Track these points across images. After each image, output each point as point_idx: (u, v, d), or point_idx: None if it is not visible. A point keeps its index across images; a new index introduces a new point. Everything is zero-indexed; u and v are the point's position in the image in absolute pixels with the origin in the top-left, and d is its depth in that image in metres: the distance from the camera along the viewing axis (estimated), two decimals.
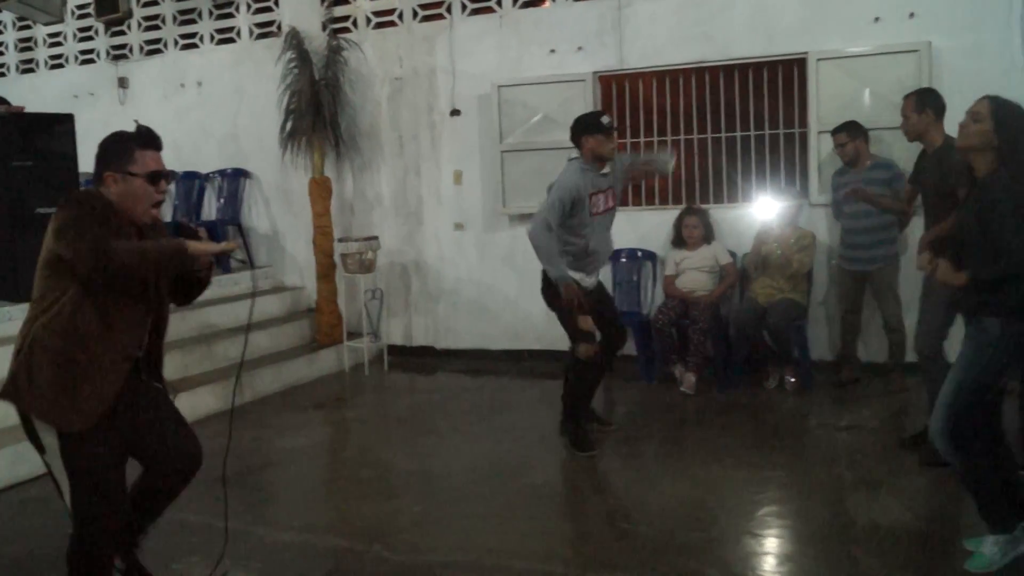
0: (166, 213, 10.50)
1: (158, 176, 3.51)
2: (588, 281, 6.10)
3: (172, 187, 10.19)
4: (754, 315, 7.28)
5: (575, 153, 6.10)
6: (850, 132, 7.05)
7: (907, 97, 5.66)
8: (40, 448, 3.50)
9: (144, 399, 3.69)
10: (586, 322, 5.98)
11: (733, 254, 7.79)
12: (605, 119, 5.99)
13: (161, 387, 3.82)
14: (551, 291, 6.02)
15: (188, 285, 3.77)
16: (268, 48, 9.61)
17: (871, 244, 7.05)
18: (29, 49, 11.62)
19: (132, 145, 3.49)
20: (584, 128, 5.99)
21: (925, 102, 5.54)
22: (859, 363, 7.46)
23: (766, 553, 4.42)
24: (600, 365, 6.18)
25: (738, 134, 8.10)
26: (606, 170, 6.06)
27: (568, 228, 5.91)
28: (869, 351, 7.57)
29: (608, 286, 8.18)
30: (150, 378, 3.74)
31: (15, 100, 8.63)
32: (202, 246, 3.40)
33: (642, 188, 8.51)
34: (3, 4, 10.45)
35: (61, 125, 7.78)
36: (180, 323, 8.09)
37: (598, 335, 6.11)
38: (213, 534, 4.55)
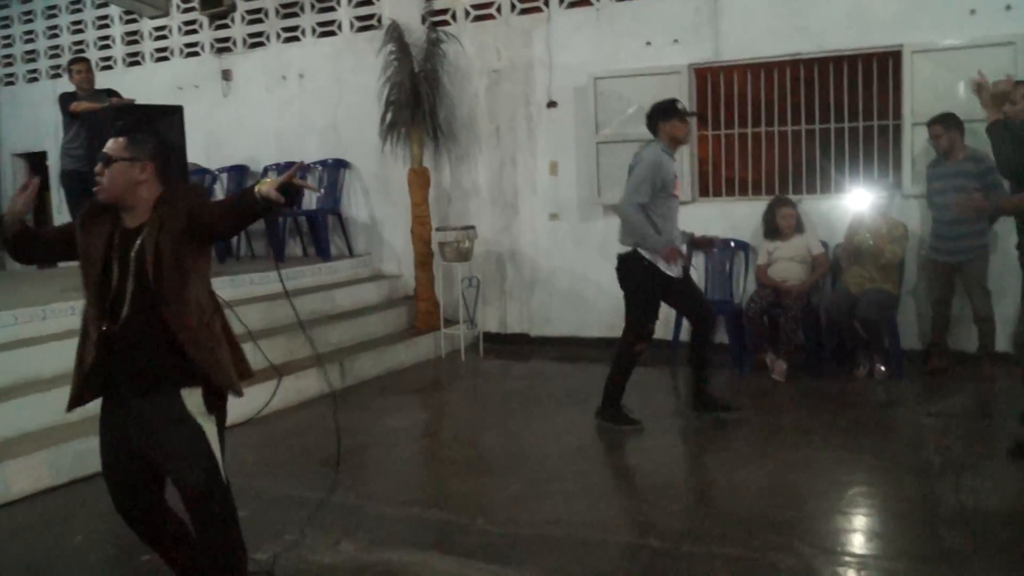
0: None
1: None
2: (672, 270, 6.25)
3: (273, 177, 10.48)
4: (846, 304, 7.36)
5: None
6: (945, 124, 7.08)
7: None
8: None
9: (134, 413, 3.47)
10: (653, 327, 6.34)
11: (825, 244, 7.85)
12: (680, 104, 6.34)
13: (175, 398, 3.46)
14: (628, 272, 6.26)
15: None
16: (369, 41, 9.87)
17: (961, 236, 7.10)
18: (136, 42, 11.99)
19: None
20: (662, 113, 6.31)
21: None
22: (949, 352, 7.48)
23: (855, 530, 4.54)
24: (636, 356, 6.40)
25: (832, 126, 8.16)
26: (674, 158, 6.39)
27: (652, 208, 6.14)
28: (959, 340, 7.59)
29: (701, 275, 8.36)
30: (153, 384, 3.45)
31: (122, 92, 8.96)
32: (269, 184, 3.30)
33: (735, 179, 8.60)
34: None
35: (171, 116, 7.99)
36: (285, 309, 8.33)
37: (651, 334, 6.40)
38: (321, 508, 4.78)
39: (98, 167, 3.44)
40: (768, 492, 5.05)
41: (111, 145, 3.48)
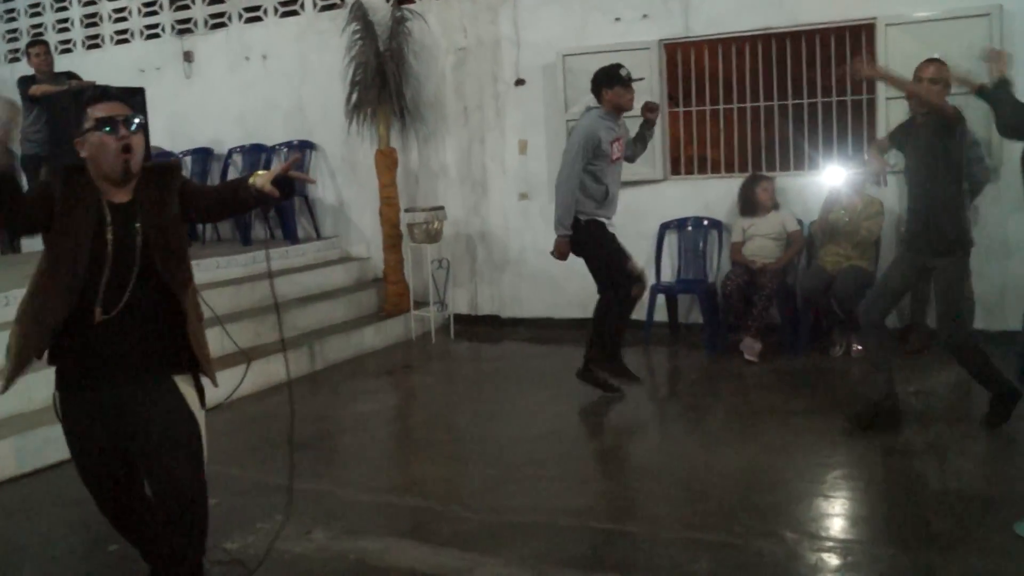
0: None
1: (107, 121, 3.16)
2: (611, 226, 6.49)
3: (238, 159, 10.36)
4: (821, 283, 7.28)
5: (593, 102, 6.51)
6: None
7: None
8: None
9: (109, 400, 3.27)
10: (634, 265, 6.47)
11: (800, 222, 7.77)
12: (624, 71, 6.40)
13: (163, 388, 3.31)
14: (579, 241, 6.40)
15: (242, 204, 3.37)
16: (332, 20, 9.69)
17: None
18: (95, 24, 11.73)
19: (83, 107, 3.28)
20: (605, 80, 6.39)
21: None
22: (928, 332, 7.41)
23: (838, 514, 4.47)
24: (625, 309, 6.50)
25: (805, 101, 8.07)
26: (620, 120, 6.52)
27: (590, 174, 6.31)
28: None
29: (674, 254, 8.30)
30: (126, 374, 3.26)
31: (83, 76, 8.80)
32: (264, 176, 3.22)
33: (707, 157, 8.52)
34: None
35: (132, 99, 7.81)
36: (251, 292, 8.26)
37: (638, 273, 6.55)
38: (295, 496, 4.67)
39: (123, 132, 3.15)
40: (749, 476, 4.96)
41: (121, 108, 3.21)
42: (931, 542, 4.02)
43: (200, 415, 3.36)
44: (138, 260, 3.18)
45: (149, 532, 3.52)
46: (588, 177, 6.31)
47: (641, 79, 6.64)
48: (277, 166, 3.23)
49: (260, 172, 3.23)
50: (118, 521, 3.52)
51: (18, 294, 6.58)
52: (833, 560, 3.89)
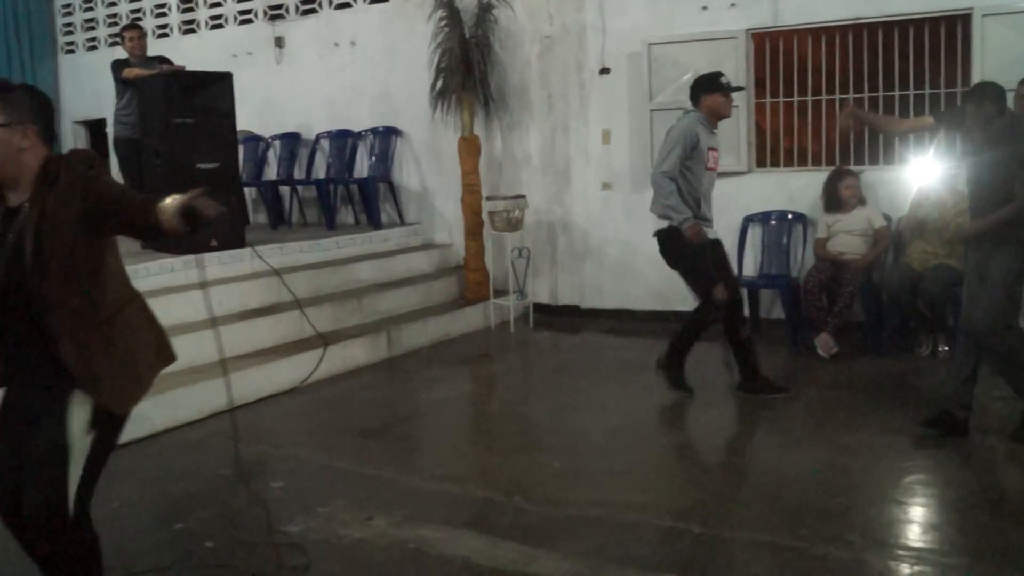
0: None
1: None
2: (710, 232, 6.31)
3: (325, 144, 10.47)
4: (908, 281, 7.08)
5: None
6: None
7: None
8: None
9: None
10: (720, 291, 6.15)
11: (887, 218, 7.56)
12: (724, 79, 6.32)
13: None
14: (672, 248, 6.26)
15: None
16: (419, 7, 9.68)
17: None
18: (191, 10, 11.97)
19: None
20: (705, 87, 6.31)
21: None
22: (1021, 333, 7.15)
23: (910, 521, 4.34)
24: (708, 318, 6.33)
25: (896, 94, 7.84)
26: (716, 130, 6.40)
27: (684, 176, 6.14)
28: None
29: (756, 248, 8.15)
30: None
31: (177, 60, 8.96)
32: (170, 206, 2.84)
33: (794, 149, 8.35)
34: None
35: (220, 83, 8.06)
36: (331, 277, 8.36)
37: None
38: (358, 480, 4.70)
39: None
40: (820, 478, 4.84)
41: None
42: (1005, 555, 3.87)
43: (84, 439, 2.97)
44: (3, 268, 2.91)
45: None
46: (682, 179, 6.14)
47: (741, 88, 6.57)
48: (183, 195, 2.87)
49: (170, 198, 2.87)
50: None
51: None
52: (901, 568, 3.77)
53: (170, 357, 3.37)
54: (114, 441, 3.17)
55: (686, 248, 6.11)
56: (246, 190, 10.51)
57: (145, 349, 3.21)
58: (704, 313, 6.31)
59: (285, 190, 10.77)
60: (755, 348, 6.42)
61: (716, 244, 6.42)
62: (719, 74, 6.37)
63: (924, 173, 7.29)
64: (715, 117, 6.31)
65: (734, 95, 6.44)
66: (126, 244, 3.31)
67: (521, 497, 4.67)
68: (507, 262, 9.15)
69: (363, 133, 10.38)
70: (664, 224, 6.20)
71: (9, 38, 12.89)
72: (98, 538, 3.14)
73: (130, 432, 5.41)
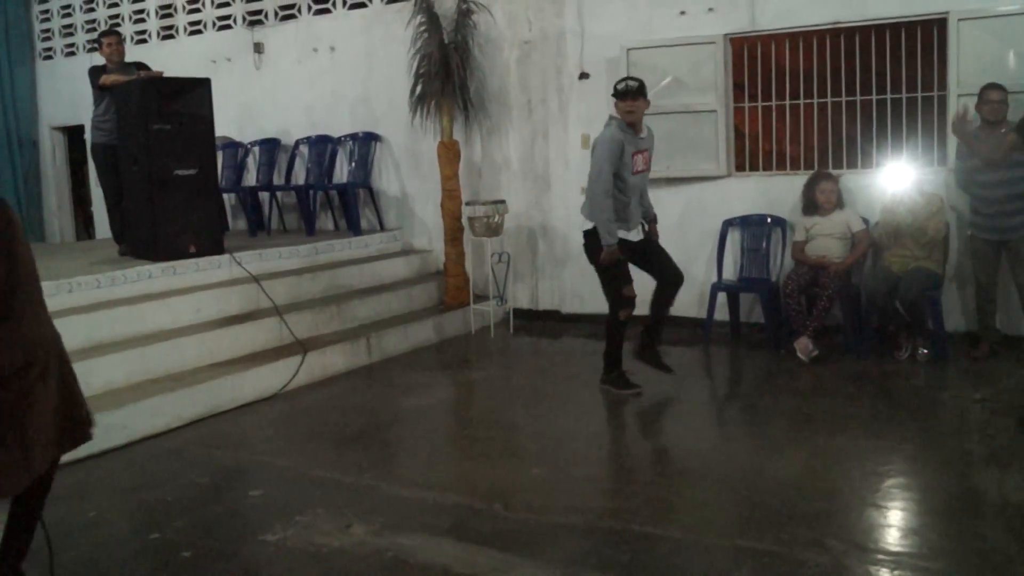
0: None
1: None
2: (632, 235, 6.47)
3: (305, 150, 10.43)
4: (886, 284, 7.10)
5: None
6: (1004, 90, 6.76)
7: None
8: None
9: None
10: (629, 290, 6.34)
11: (866, 221, 7.58)
12: (620, 85, 6.36)
13: None
14: (592, 249, 6.38)
15: None
16: (398, 12, 9.69)
17: (1009, 213, 6.79)
18: (169, 16, 11.90)
19: None
20: (613, 93, 6.38)
21: None
22: (998, 336, 7.19)
23: (890, 525, 4.33)
24: (621, 318, 6.45)
25: (873, 97, 7.87)
26: (643, 134, 6.46)
27: (614, 185, 6.28)
28: (1011, 323, 7.30)
29: (736, 252, 8.15)
30: None
31: (156, 66, 8.90)
32: None
33: (772, 153, 8.36)
34: None
35: (198, 89, 8.01)
36: (311, 283, 8.33)
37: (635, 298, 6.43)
38: (337, 488, 4.67)
39: None
40: (799, 482, 4.83)
41: None
42: (985, 558, 3.87)
43: None
44: None
45: None
46: (613, 188, 6.29)
47: (630, 91, 6.29)
48: None
49: None
50: None
51: (83, 280, 6.76)
52: (881, 573, 3.76)
53: (81, 438, 3.11)
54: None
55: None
56: (225, 196, 10.50)
57: (45, 427, 2.92)
58: (613, 313, 6.44)
59: (264, 196, 10.71)
60: (622, 339, 6.55)
61: (646, 243, 6.59)
62: (620, 80, 6.47)
63: (896, 177, 7.31)
64: (627, 122, 6.33)
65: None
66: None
67: (501, 504, 4.65)
68: (487, 267, 9.13)
69: (343, 139, 10.35)
70: (590, 225, 6.37)
71: None
72: None
73: (107, 440, 5.45)
